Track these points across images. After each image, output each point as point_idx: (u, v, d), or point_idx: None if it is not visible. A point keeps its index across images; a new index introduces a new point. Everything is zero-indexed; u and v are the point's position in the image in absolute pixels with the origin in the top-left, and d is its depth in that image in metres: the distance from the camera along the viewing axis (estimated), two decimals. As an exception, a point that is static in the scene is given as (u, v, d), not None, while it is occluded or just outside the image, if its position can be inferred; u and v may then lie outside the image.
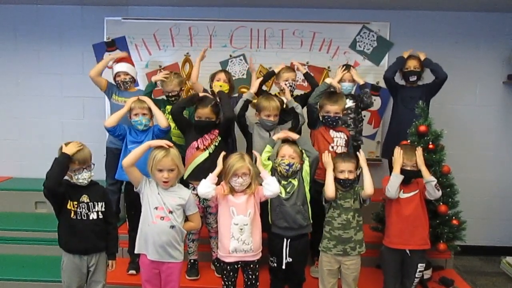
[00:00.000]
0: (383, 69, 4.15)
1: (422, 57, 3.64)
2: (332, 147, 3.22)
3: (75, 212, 2.53)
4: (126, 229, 3.40)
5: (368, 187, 2.76)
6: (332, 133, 3.25)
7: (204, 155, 3.14)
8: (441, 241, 3.14)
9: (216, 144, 3.17)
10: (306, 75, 3.60)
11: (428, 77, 3.74)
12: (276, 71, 3.52)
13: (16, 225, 3.79)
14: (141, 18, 4.27)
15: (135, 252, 2.69)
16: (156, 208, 2.55)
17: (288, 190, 2.84)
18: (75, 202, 2.54)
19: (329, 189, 2.79)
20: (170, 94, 3.51)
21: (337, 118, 3.21)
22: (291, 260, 2.82)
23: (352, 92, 3.62)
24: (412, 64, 3.63)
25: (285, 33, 4.23)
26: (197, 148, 3.16)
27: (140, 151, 2.58)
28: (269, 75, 3.59)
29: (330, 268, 2.85)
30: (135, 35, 4.27)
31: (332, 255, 2.83)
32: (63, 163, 2.46)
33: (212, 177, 2.64)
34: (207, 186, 2.61)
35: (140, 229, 2.62)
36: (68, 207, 2.53)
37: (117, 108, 3.46)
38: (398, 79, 3.78)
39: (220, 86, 3.53)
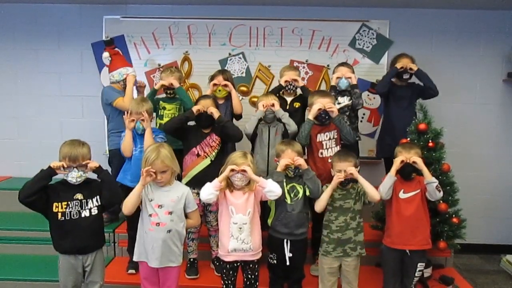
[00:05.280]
0: (383, 67, 4.16)
1: (414, 68, 3.56)
2: (321, 153, 3.17)
3: (63, 213, 2.48)
4: (125, 229, 3.39)
5: (372, 195, 2.76)
6: (320, 136, 3.18)
7: (206, 162, 3.14)
8: (441, 240, 3.13)
9: (218, 150, 3.18)
10: (302, 89, 3.49)
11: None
12: (282, 83, 3.45)
13: (15, 225, 3.79)
14: (140, 17, 4.25)
15: (134, 259, 2.68)
16: (151, 215, 2.54)
17: (292, 195, 2.82)
18: (64, 203, 2.49)
19: (320, 205, 2.80)
20: (168, 86, 3.51)
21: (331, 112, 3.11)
22: (291, 255, 2.81)
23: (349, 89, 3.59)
24: (405, 63, 3.61)
25: (284, 31, 4.21)
26: (198, 155, 3.16)
27: (136, 196, 2.51)
28: (277, 90, 3.51)
29: (330, 266, 2.85)
30: (134, 34, 4.26)
31: (334, 257, 2.82)
32: (42, 177, 2.44)
33: (217, 183, 2.59)
34: (210, 193, 2.58)
35: (139, 236, 2.63)
36: (54, 210, 2.48)
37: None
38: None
39: (219, 90, 3.51)
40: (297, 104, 3.48)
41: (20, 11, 4.32)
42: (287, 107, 3.45)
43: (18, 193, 2.42)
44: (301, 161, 2.80)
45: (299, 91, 3.55)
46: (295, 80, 3.44)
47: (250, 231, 2.63)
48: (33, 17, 4.32)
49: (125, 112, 3.16)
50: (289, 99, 3.51)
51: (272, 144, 3.21)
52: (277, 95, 3.48)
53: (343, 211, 2.81)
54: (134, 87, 3.69)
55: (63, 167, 2.45)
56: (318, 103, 3.09)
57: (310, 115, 3.12)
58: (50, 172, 2.44)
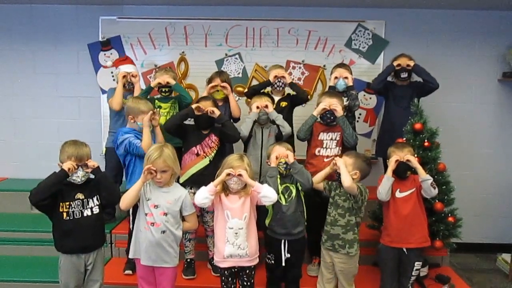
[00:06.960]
0: (379, 67, 4.17)
1: (411, 64, 3.58)
2: (319, 151, 3.21)
3: (68, 213, 2.51)
4: (124, 229, 3.39)
5: (343, 180, 2.71)
6: (322, 135, 3.23)
7: (205, 162, 3.14)
8: (437, 239, 3.14)
9: (217, 150, 3.18)
10: (291, 85, 3.50)
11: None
12: (271, 79, 3.48)
13: (12, 226, 3.78)
14: (136, 17, 4.25)
15: (130, 257, 2.70)
16: (146, 214, 2.55)
17: (286, 195, 2.83)
18: (67, 203, 2.51)
19: (315, 179, 2.87)
20: (164, 85, 3.51)
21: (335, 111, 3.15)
22: (289, 255, 2.81)
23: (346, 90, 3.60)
24: (403, 62, 3.63)
25: (281, 31, 4.22)
26: (197, 154, 3.15)
27: (135, 192, 2.52)
28: (264, 85, 3.57)
29: (324, 260, 2.90)
30: (131, 35, 4.26)
31: (325, 249, 2.87)
32: (58, 181, 2.45)
33: (212, 188, 2.58)
34: (204, 197, 2.57)
35: (135, 233, 2.64)
36: (60, 210, 2.50)
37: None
38: (389, 76, 3.77)
39: (218, 91, 3.51)
40: (283, 104, 3.49)
41: (16, 12, 4.31)
42: (274, 106, 3.45)
43: (29, 195, 2.43)
44: (289, 153, 2.82)
45: (287, 91, 3.56)
46: (283, 77, 3.45)
47: (246, 236, 2.61)
48: (29, 18, 4.31)
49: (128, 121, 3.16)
50: (276, 98, 3.52)
51: (265, 145, 3.22)
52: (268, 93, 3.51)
53: (336, 205, 2.85)
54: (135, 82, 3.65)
55: (74, 168, 2.46)
56: (324, 102, 3.15)
57: (315, 111, 3.19)
58: (65, 175, 2.45)
